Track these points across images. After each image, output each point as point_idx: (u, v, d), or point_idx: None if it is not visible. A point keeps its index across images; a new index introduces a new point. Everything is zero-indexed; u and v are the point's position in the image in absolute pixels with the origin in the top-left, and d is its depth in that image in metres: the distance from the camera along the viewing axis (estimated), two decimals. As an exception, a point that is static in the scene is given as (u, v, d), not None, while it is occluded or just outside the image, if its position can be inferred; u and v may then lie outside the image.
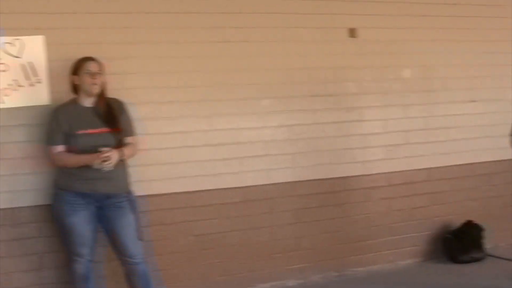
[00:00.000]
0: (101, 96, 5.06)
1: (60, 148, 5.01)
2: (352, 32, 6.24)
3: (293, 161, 6.10)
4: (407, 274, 6.44)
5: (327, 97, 6.21)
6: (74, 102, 5.08)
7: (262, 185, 5.99)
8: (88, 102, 5.05)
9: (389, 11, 6.39)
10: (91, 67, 4.99)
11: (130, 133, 5.16)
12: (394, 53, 6.47)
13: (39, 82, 5.28)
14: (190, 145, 5.74)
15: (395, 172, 6.54)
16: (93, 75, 4.97)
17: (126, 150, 5.02)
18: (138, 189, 5.22)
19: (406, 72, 6.57)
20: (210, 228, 5.84)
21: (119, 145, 4.98)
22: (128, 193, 5.06)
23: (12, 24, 5.18)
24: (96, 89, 5.00)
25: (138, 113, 5.35)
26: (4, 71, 5.20)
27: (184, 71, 5.70)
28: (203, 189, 5.79)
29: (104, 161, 4.79)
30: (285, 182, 6.07)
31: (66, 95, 5.17)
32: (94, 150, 4.86)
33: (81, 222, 4.97)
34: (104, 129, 4.98)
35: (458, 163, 6.84)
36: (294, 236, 6.14)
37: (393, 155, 6.52)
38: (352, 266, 6.42)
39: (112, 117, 5.03)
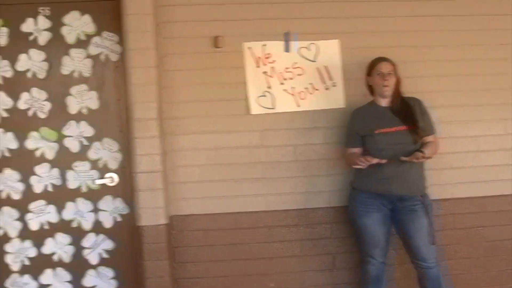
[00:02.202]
0: (397, 95, 5.07)
1: (354, 150, 5.10)
2: None
3: None
4: None
5: None
6: (371, 104, 5.16)
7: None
8: (384, 102, 5.09)
9: None
10: (383, 68, 5.03)
11: (430, 131, 5.12)
12: None
13: (334, 86, 5.42)
14: (483, 150, 5.62)
15: None
16: (384, 76, 5.00)
17: (428, 149, 4.96)
18: (431, 192, 5.18)
19: None
20: (503, 235, 5.66)
21: (416, 142, 4.95)
22: (423, 196, 5.01)
23: (308, 29, 5.42)
24: (387, 91, 5.03)
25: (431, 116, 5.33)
26: (300, 75, 5.40)
27: (478, 74, 5.60)
28: (496, 194, 5.63)
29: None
30: None
31: (361, 98, 5.30)
32: (392, 148, 4.90)
33: (374, 223, 5.03)
34: (401, 127, 4.97)
35: None
36: None
37: None
38: None
39: (409, 115, 5.01)
